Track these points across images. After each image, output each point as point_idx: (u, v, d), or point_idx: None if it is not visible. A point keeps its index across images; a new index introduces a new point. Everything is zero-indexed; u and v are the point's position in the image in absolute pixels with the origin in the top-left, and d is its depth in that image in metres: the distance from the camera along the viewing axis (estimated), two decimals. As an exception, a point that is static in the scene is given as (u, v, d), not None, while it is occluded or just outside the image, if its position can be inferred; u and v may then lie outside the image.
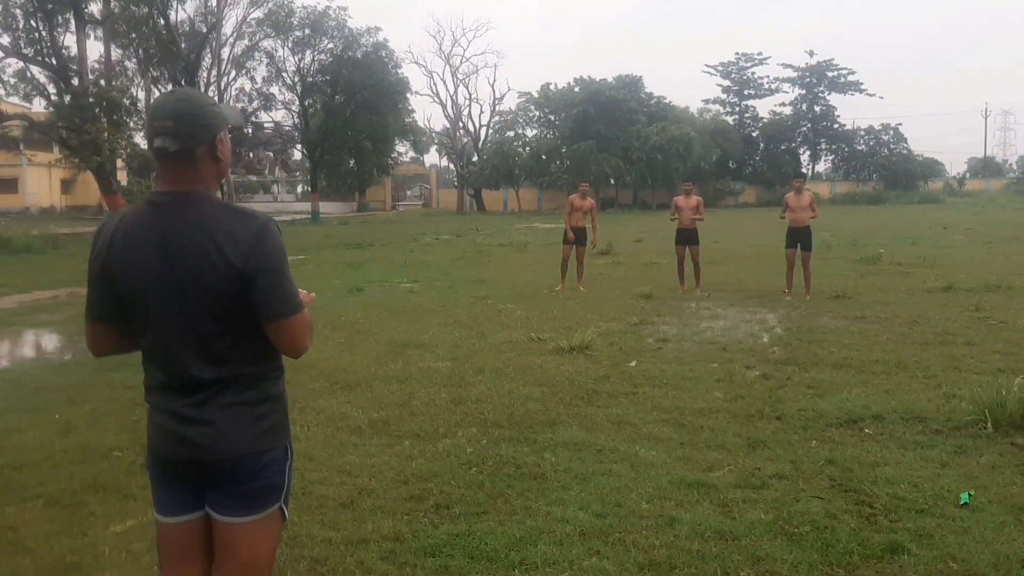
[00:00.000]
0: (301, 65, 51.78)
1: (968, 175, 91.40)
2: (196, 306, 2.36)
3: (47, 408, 7.00)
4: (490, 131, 68.82)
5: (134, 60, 44.71)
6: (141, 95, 42.84)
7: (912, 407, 6.53)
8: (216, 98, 46.60)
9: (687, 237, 14.44)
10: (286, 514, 2.56)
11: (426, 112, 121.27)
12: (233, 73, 51.55)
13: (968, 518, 4.43)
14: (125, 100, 31.80)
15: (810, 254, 13.46)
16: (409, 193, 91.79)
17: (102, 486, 5.11)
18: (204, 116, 2.38)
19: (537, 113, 67.98)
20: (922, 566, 3.89)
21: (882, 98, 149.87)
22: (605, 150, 60.17)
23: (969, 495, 4.71)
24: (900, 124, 74.49)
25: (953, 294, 13.06)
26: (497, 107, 69.99)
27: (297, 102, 52.97)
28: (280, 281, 2.38)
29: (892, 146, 74.44)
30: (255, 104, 53.96)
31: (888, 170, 72.74)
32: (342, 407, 6.85)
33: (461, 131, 68.68)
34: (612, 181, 63.05)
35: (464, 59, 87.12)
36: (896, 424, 6.16)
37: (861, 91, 74.47)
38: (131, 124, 33.46)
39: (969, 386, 6.96)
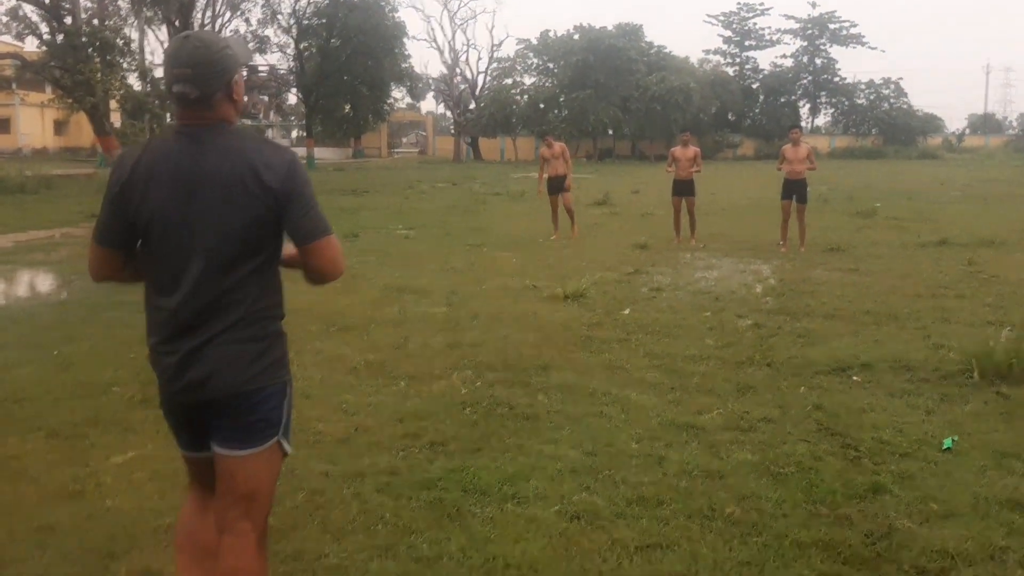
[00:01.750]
0: (297, 7, 50.84)
1: (968, 131, 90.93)
2: (218, 230, 2.41)
3: (46, 345, 7.07)
4: (488, 78, 68.16)
5: (127, 0, 44.00)
6: (134, 35, 42.25)
7: (901, 356, 6.62)
8: None
9: (684, 188, 14.38)
10: (286, 448, 2.63)
11: (423, 58, 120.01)
12: (228, 14, 50.61)
13: (950, 462, 4.54)
14: (119, 40, 31.40)
15: (805, 206, 13.43)
16: (405, 140, 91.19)
17: (102, 419, 5.20)
18: (221, 61, 2.43)
19: (536, 61, 67.12)
20: (903, 506, 4.00)
21: (884, 52, 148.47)
22: (604, 99, 59.64)
23: (952, 440, 4.82)
24: (901, 79, 73.81)
25: (947, 248, 13.12)
26: (495, 54, 69.25)
27: (292, 45, 52.08)
28: (313, 204, 2.49)
29: (892, 101, 73.90)
30: (250, 47, 53.22)
31: (888, 125, 72.33)
32: (339, 349, 6.92)
33: (458, 78, 68.04)
34: (610, 131, 62.68)
35: (462, 4, 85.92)
36: (884, 372, 6.26)
37: (863, 44, 73.75)
38: (124, 65, 33.05)
39: (958, 337, 7.06)
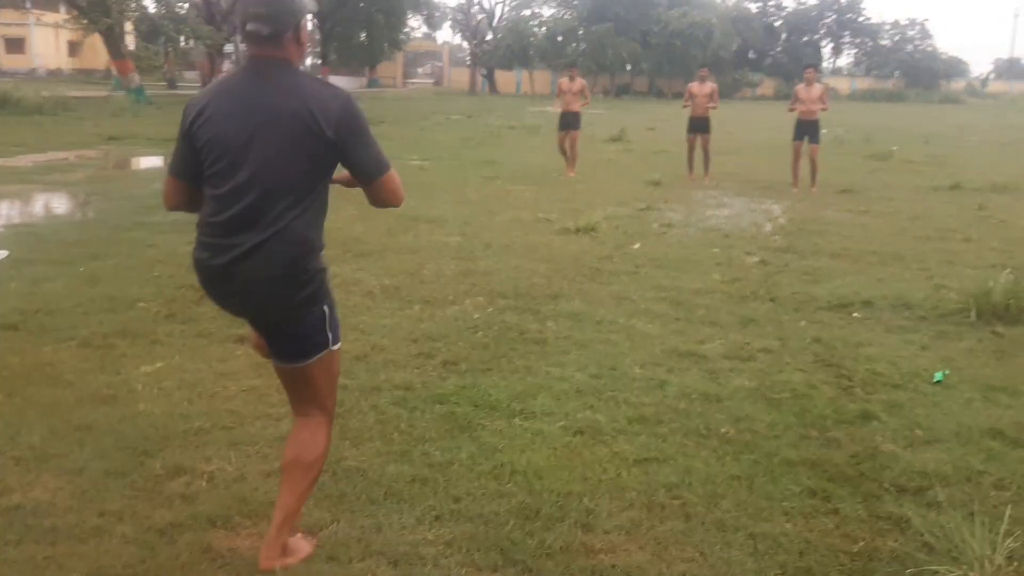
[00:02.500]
0: (315, -70, 50.16)
1: (992, 76, 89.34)
2: (275, 163, 2.60)
3: (72, 262, 7.31)
4: (506, 8, 67.13)
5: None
6: (149, -44, 41.67)
7: (902, 295, 6.80)
8: None
9: (699, 125, 14.36)
10: (333, 349, 2.88)
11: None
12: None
13: (939, 394, 4.76)
14: (134, -39, 31.09)
15: (818, 147, 13.41)
16: (420, 71, 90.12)
17: (130, 332, 5.45)
18: (292, 3, 2.66)
19: (556, -9, 66.07)
20: (889, 431, 4.22)
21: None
22: (623, 34, 58.78)
23: (943, 374, 5.03)
24: (927, 20, 73.02)
25: (959, 193, 13.19)
26: (514, -18, 68.00)
27: (309, -31, 51.54)
28: (371, 144, 2.70)
29: (917, 43, 72.68)
30: None
31: (911, 67, 71.20)
32: (355, 273, 7.13)
33: (476, 7, 67.02)
34: (628, 67, 61.87)
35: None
36: (884, 310, 6.45)
37: (890, -18, 72.21)
38: (140, -14, 32.79)
39: (960, 279, 7.23)
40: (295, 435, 2.94)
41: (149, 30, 36.58)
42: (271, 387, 4.56)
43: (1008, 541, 3.07)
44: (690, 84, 14.85)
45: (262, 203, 2.61)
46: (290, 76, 2.67)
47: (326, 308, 2.81)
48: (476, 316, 6.00)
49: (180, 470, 3.64)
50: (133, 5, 31.83)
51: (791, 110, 13.65)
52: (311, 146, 2.61)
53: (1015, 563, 3.06)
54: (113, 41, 31.64)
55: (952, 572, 2.94)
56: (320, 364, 2.85)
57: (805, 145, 13.30)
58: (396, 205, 2.83)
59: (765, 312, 6.34)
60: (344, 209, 9.93)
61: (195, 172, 2.72)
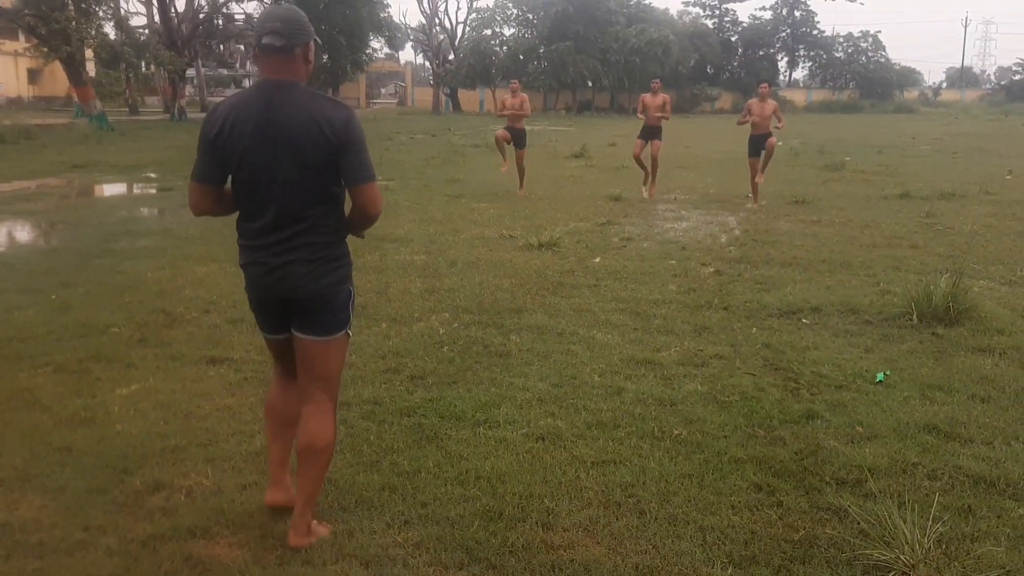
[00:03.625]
0: (274, -46, 50.26)
1: (944, 85, 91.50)
2: (295, 164, 3.02)
3: (43, 290, 7.41)
4: (467, 28, 67.56)
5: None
6: (109, -17, 41.54)
7: (849, 301, 7.12)
8: None
9: (650, 132, 14.29)
10: (350, 334, 3.35)
11: (401, 7, 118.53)
12: (205, -39, 49.88)
13: (880, 393, 5.04)
14: (94, -12, 31.08)
15: (770, 157, 13.31)
16: (384, 91, 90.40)
17: (104, 356, 5.59)
18: (303, 23, 3.10)
19: (515, 11, 66.64)
20: (832, 429, 4.49)
21: (863, 4, 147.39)
22: (583, 51, 59.57)
23: (885, 374, 5.32)
24: (879, 32, 74.75)
25: (908, 201, 13.64)
26: (474, 3, 69.04)
27: (270, -7, 51.57)
28: (363, 153, 3.09)
29: (870, 54, 74.36)
30: None
31: (865, 78, 72.84)
32: (323, 293, 7.29)
33: (437, 28, 67.33)
34: (590, 83, 62.58)
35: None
36: (832, 315, 6.76)
37: (843, -4, 73.83)
38: (100, 13, 32.75)
39: (905, 284, 7.54)
40: (305, 424, 3.29)
41: (110, 56, 36.54)
42: (244, 406, 4.76)
43: (937, 526, 3.34)
44: (643, 95, 14.73)
45: (292, 207, 3.06)
46: (299, 93, 3.06)
47: (351, 288, 3.29)
48: (442, 332, 6.22)
49: (159, 486, 3.80)
50: (93, 32, 31.74)
51: (740, 123, 13.54)
52: (324, 153, 3.02)
53: (943, 546, 3.32)
54: (74, 68, 31.58)
55: (885, 555, 3.19)
56: (339, 343, 3.28)
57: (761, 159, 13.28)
58: (373, 214, 3.16)
59: (718, 320, 6.62)
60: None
61: (218, 176, 3.13)
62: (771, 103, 13.27)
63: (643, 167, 14.56)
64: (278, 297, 3.19)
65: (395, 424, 4.52)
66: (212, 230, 9.98)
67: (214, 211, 3.25)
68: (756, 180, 13.33)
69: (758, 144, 13.27)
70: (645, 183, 14.64)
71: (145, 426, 4.50)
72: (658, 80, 15.38)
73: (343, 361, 3.38)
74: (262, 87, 3.09)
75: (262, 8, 52.68)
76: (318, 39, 3.21)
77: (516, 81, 15.59)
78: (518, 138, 14.43)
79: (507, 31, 67.24)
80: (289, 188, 3.05)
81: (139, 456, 4.12)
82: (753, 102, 13.39)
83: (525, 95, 14.67)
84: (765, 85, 13.75)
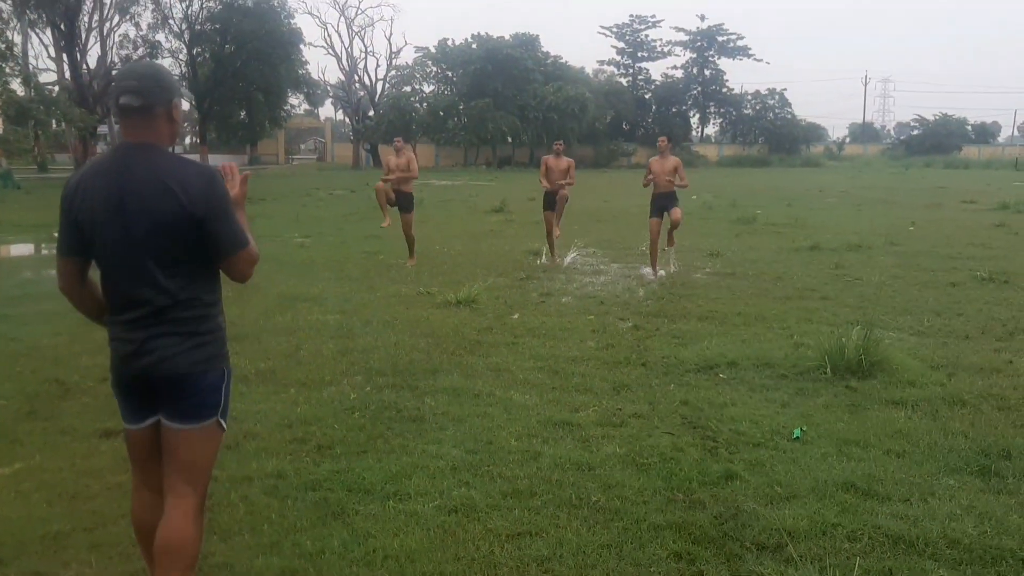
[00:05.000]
0: (189, 12, 49.70)
1: (848, 140, 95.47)
2: (150, 235, 2.74)
3: (-77, 360, 6.93)
4: (387, 85, 67.77)
5: (9, 2, 42.17)
6: (17, 39, 40.55)
7: (764, 354, 7.13)
8: (98, 44, 43.19)
9: (554, 202, 12.77)
10: (224, 426, 2.98)
11: (320, 64, 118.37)
12: (116, 18, 48.96)
13: (797, 450, 5.00)
14: (0, 44, 30.17)
15: (679, 209, 11.84)
16: (303, 147, 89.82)
17: (-14, 433, 5.20)
18: (164, 80, 2.83)
19: (434, 69, 67.26)
20: (751, 490, 4.41)
21: (768, 63, 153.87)
22: (502, 108, 60.31)
23: (801, 430, 5.29)
24: (785, 89, 77.29)
25: (817, 253, 13.95)
26: (394, 61, 68.93)
27: (185, 51, 50.83)
28: (229, 221, 2.80)
29: (777, 111, 77.05)
30: (140, 52, 51.27)
31: (773, 134, 75.40)
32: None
33: (357, 85, 67.42)
34: (509, 139, 63.30)
35: (359, 11, 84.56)
36: (748, 369, 6.74)
37: (749, 56, 76.82)
38: (7, 69, 31.80)
39: (818, 336, 7.59)
40: (166, 519, 2.90)
41: (17, 113, 35.38)
42: (137, 483, 4.43)
43: (859, 590, 3.25)
44: (546, 157, 13.10)
45: (150, 280, 2.76)
46: (158, 157, 2.77)
47: (224, 371, 2.94)
48: (353, 396, 5.98)
49: (35, 578, 3.48)
50: (0, 90, 30.75)
51: (646, 184, 12.16)
52: (181, 222, 2.73)
53: (866, 611, 3.23)
54: (-24, 125, 30.45)
55: (808, 624, 3.08)
56: (208, 432, 2.92)
57: (666, 220, 11.86)
58: (242, 282, 2.94)
59: (637, 377, 6.54)
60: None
61: (77, 248, 2.84)
62: (672, 159, 11.89)
63: (551, 237, 13.07)
64: (139, 377, 2.85)
65: (299, 500, 4.27)
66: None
67: (83, 287, 2.91)
68: (667, 246, 12.16)
69: (661, 202, 11.94)
70: (551, 253, 13.16)
71: (26, 510, 4.16)
72: (561, 142, 13.68)
73: (214, 454, 3.01)
74: (118, 151, 2.81)
75: (177, 65, 52.39)
76: (185, 95, 2.95)
77: (399, 139, 13.27)
78: (404, 203, 12.54)
79: (427, 88, 67.77)
80: (145, 260, 2.75)
81: (16, 544, 3.79)
82: (654, 160, 12.03)
83: (412, 154, 12.84)
84: (664, 139, 12.09)
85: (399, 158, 12.56)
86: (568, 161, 12.91)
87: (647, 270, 11.91)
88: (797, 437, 5.20)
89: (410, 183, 12.56)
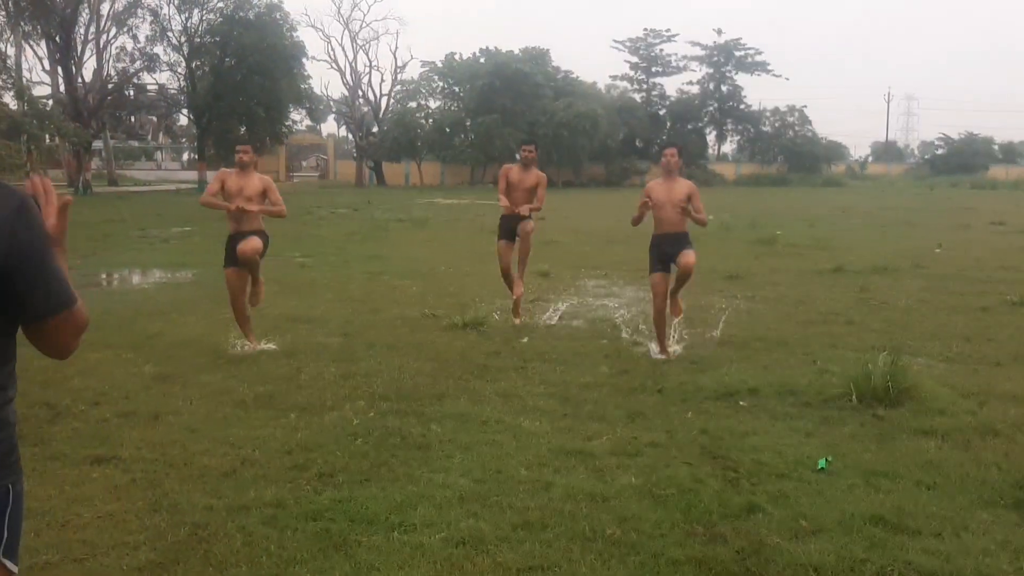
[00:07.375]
0: (188, 24, 48.62)
1: (870, 159, 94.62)
2: None
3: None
4: (391, 101, 67.13)
5: (3, 13, 41.97)
6: (11, 51, 40.60)
7: (787, 381, 6.87)
8: (94, 57, 42.71)
9: (509, 229, 9.63)
10: (9, 567, 1.99)
11: (323, 79, 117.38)
12: (113, 30, 48.33)
13: (823, 481, 4.76)
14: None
15: (693, 253, 7.92)
16: (305, 164, 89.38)
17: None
18: None
19: (441, 84, 66.46)
20: (775, 523, 4.17)
21: (788, 80, 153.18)
22: (510, 124, 59.76)
23: (827, 461, 5.04)
24: (805, 106, 75.92)
25: (841, 275, 13.61)
26: (399, 76, 67.96)
27: (183, 64, 49.86)
28: (44, 269, 1.86)
29: (797, 128, 75.92)
30: (137, 64, 50.11)
31: (792, 152, 74.22)
32: (226, 381, 6.82)
33: (360, 100, 66.76)
34: (517, 157, 63.00)
35: (364, 24, 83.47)
36: (770, 397, 6.49)
37: (768, 72, 75.35)
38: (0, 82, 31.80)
39: (843, 362, 7.33)
40: None
41: (10, 128, 35.26)
42: (129, 512, 4.27)
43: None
44: (507, 167, 9.90)
45: None
46: None
47: (12, 487, 1.95)
48: (356, 422, 5.77)
49: (15, 616, 3.26)
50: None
51: (638, 217, 8.45)
52: None
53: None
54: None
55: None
56: None
57: (673, 272, 8.14)
58: (60, 358, 2.04)
59: (653, 404, 6.31)
60: (216, 313, 9.46)
61: None
62: (683, 184, 8.05)
63: (509, 279, 9.72)
64: None
65: (299, 530, 4.05)
66: (110, 313, 9.44)
67: None
68: (669, 311, 8.23)
69: (667, 248, 8.01)
70: (513, 306, 9.76)
71: (10, 540, 3.93)
72: (532, 146, 9.95)
73: None
74: None
75: (175, 78, 52.03)
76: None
77: (245, 148, 8.40)
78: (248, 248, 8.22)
79: (433, 103, 66.91)
80: None
81: (-3, 578, 3.57)
82: (655, 184, 8.15)
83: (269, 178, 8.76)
84: (672, 151, 8.14)
85: (241, 178, 8.10)
86: (538, 175, 9.53)
87: (653, 345, 8.17)
88: (822, 468, 4.95)
89: (259, 218, 8.21)
